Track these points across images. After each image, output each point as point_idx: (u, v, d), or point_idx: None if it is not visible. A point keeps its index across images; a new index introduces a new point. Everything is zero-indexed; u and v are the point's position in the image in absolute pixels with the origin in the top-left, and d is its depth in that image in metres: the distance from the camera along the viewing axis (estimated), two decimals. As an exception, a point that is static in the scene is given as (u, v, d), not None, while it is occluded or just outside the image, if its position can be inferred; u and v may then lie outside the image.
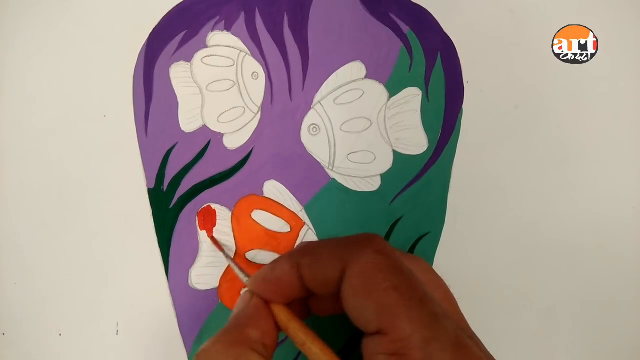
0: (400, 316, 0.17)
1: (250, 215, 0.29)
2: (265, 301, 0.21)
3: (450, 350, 0.17)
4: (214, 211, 0.29)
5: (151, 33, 0.29)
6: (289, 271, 0.21)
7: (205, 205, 0.29)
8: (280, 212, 0.29)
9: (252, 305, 0.21)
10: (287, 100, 0.29)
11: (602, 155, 0.30)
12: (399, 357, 0.17)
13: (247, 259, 0.29)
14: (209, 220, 0.29)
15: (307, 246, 0.22)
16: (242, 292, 0.23)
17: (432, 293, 0.20)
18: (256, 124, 0.29)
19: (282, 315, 0.21)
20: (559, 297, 0.30)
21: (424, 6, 0.29)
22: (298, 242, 0.29)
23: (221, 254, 0.27)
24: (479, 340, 0.21)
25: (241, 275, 0.25)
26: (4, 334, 0.29)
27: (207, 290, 0.29)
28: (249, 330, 0.20)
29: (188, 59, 0.29)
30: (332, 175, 0.29)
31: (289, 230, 0.29)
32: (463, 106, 0.29)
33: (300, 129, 0.29)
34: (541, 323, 0.30)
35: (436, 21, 0.29)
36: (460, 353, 0.17)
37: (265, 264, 0.28)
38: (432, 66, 0.29)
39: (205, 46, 0.29)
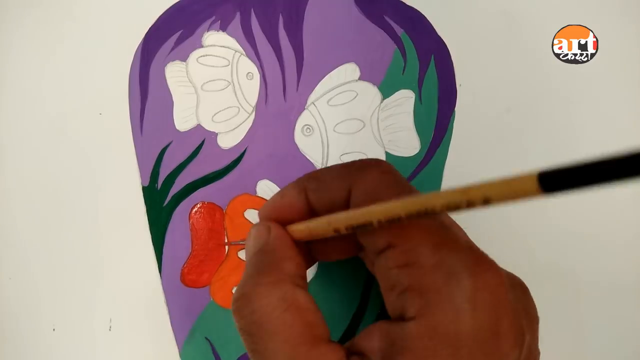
0: (408, 225, 0.17)
1: (243, 214, 0.29)
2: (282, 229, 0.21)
3: (463, 253, 0.16)
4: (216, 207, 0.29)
5: (147, 32, 0.29)
6: (297, 196, 0.20)
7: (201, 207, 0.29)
8: (273, 211, 0.29)
9: (273, 237, 0.20)
10: (281, 100, 0.29)
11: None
12: (411, 266, 0.16)
13: (239, 258, 0.29)
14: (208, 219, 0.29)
15: (313, 172, 0.21)
16: (251, 228, 0.22)
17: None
18: (250, 124, 0.29)
19: (301, 227, 0.20)
20: (548, 301, 0.30)
21: (418, 9, 0.30)
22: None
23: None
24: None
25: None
26: (-2, 329, 0.29)
27: (199, 288, 0.29)
28: (284, 264, 0.19)
29: (183, 58, 0.29)
30: (325, 175, 0.29)
31: (282, 229, 0.29)
32: (455, 109, 0.30)
33: (294, 129, 0.29)
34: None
35: (430, 24, 0.29)
36: (474, 256, 0.17)
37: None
38: (426, 69, 0.29)
39: (201, 46, 0.29)
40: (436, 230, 0.17)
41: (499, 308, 0.16)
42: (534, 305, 0.19)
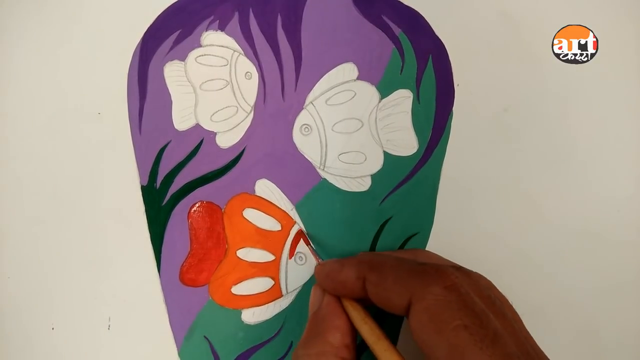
0: (471, 358, 0.17)
1: (242, 213, 0.29)
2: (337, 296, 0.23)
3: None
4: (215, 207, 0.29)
5: (146, 32, 0.29)
6: (354, 280, 0.22)
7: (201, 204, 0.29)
8: (272, 210, 0.29)
9: (325, 304, 0.22)
10: (279, 100, 0.29)
11: (597, 156, 0.30)
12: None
13: (238, 257, 0.29)
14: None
15: (375, 261, 0.22)
16: (312, 287, 0.25)
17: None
18: (249, 123, 0.29)
19: (355, 314, 0.22)
20: (547, 298, 0.30)
21: (416, 9, 0.30)
22: (288, 240, 0.29)
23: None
24: (543, 355, 0.20)
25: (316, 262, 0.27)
26: (-3, 327, 0.29)
27: (198, 287, 0.29)
28: (329, 335, 0.21)
29: (182, 58, 0.29)
30: (323, 175, 0.29)
31: (280, 229, 0.29)
32: (453, 109, 0.30)
33: (292, 129, 0.29)
34: (528, 324, 0.30)
35: (428, 24, 0.30)
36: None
37: (256, 262, 0.29)
38: (424, 68, 0.30)
39: (200, 45, 0.29)
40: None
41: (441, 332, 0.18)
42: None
